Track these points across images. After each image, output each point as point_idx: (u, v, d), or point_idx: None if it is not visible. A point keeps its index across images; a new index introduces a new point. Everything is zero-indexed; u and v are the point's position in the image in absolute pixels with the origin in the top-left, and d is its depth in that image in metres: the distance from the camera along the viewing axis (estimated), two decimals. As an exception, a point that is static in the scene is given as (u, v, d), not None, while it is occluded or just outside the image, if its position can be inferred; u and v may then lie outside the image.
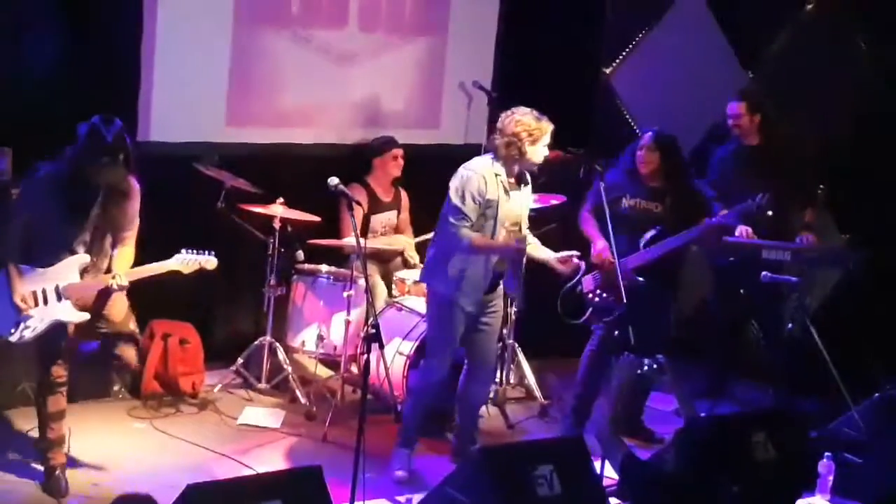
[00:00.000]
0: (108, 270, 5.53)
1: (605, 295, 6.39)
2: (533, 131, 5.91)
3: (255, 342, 7.13)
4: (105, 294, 5.50)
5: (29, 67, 6.56)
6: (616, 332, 6.00)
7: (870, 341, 7.36)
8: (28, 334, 5.46)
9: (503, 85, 8.13)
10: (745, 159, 7.19)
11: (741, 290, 7.39)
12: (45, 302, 5.45)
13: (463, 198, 5.84)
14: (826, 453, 5.77)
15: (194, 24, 7.10)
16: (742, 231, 6.96)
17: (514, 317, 7.20)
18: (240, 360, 7.10)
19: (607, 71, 8.67)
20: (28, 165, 6.43)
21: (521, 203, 6.01)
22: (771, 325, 7.26)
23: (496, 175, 5.88)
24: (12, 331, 5.45)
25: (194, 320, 7.11)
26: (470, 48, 8.15)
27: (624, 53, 8.64)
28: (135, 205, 5.54)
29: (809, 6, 8.20)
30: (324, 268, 7.07)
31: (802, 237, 7.05)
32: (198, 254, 5.63)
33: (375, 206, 7.34)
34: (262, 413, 6.82)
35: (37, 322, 5.45)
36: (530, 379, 7.36)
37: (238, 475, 5.76)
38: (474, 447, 6.19)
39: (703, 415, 6.48)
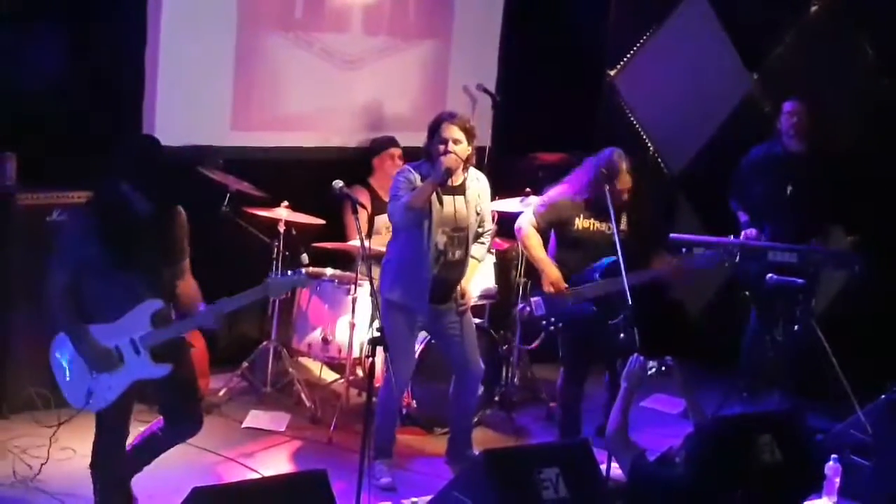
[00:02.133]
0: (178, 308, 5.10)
1: (559, 324, 6.32)
2: (431, 125, 5.91)
3: (260, 346, 7.13)
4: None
5: (33, 72, 6.56)
6: (622, 336, 5.99)
7: (876, 343, 7.34)
8: (110, 397, 4.96)
9: (507, 88, 8.13)
10: (785, 165, 7.18)
11: (746, 292, 7.40)
12: (123, 360, 4.97)
13: (397, 189, 5.87)
14: (833, 455, 5.76)
15: (198, 28, 7.11)
16: (747, 233, 6.99)
17: (519, 319, 7.20)
18: (245, 364, 7.10)
19: (611, 73, 8.67)
20: (33, 170, 6.48)
21: (460, 208, 5.94)
22: (777, 327, 7.25)
23: (424, 177, 5.86)
24: (88, 400, 4.96)
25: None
26: (474, 51, 8.15)
27: (628, 56, 8.63)
28: (186, 229, 5.12)
29: (814, 8, 8.19)
30: (328, 271, 7.07)
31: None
32: (291, 274, 5.25)
33: (378, 206, 7.34)
34: (268, 416, 6.82)
35: (115, 383, 4.97)
36: (535, 381, 7.36)
37: (244, 478, 5.77)
38: (470, 451, 6.21)
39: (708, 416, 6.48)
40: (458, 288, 6.06)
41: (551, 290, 6.28)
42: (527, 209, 6.55)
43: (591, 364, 6.50)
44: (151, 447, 5.29)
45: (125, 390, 5.00)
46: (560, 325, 6.30)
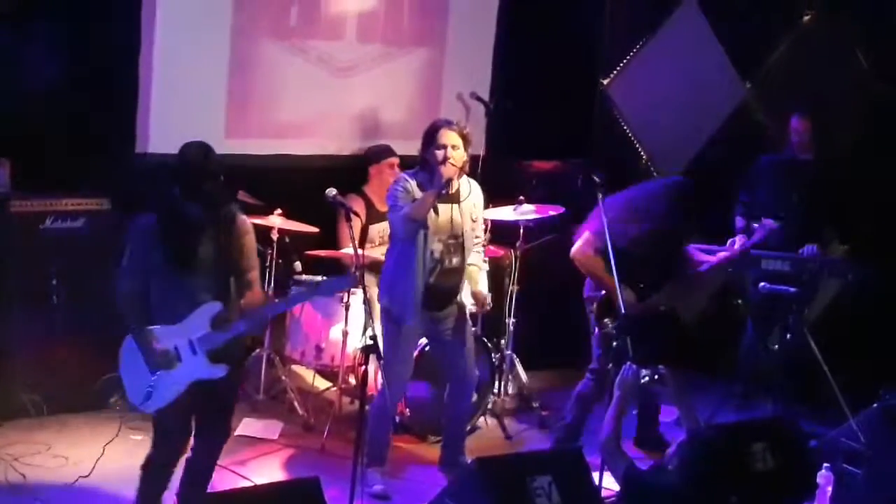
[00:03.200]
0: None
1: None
2: (427, 132, 5.92)
3: (253, 354, 7.12)
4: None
5: (27, 79, 6.56)
6: (615, 344, 5.98)
7: (868, 351, 7.36)
8: (167, 397, 5.05)
9: (501, 96, 8.14)
10: (792, 174, 7.21)
11: (738, 301, 7.42)
12: (180, 360, 5.06)
13: (395, 197, 5.87)
14: (825, 464, 5.76)
15: (193, 35, 7.11)
16: (736, 240, 7.00)
17: (511, 327, 7.21)
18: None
19: (605, 82, 8.68)
20: (26, 176, 6.48)
21: (455, 216, 5.95)
22: (770, 336, 7.26)
23: (420, 186, 5.87)
24: (147, 399, 5.06)
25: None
26: (468, 59, 8.16)
27: (621, 64, 8.65)
28: (251, 239, 5.19)
29: (806, 16, 8.22)
30: (322, 279, 7.06)
31: (806, 249, 7.07)
32: (342, 277, 5.36)
33: (372, 215, 7.33)
34: (260, 424, 6.81)
35: (173, 383, 5.05)
36: (528, 390, 7.36)
37: (236, 486, 5.76)
38: (463, 458, 6.21)
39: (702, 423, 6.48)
40: (476, 294, 6.10)
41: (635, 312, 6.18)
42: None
43: None
44: (194, 471, 5.31)
45: (183, 391, 5.07)
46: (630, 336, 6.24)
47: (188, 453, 5.29)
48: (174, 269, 5.03)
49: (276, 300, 5.12)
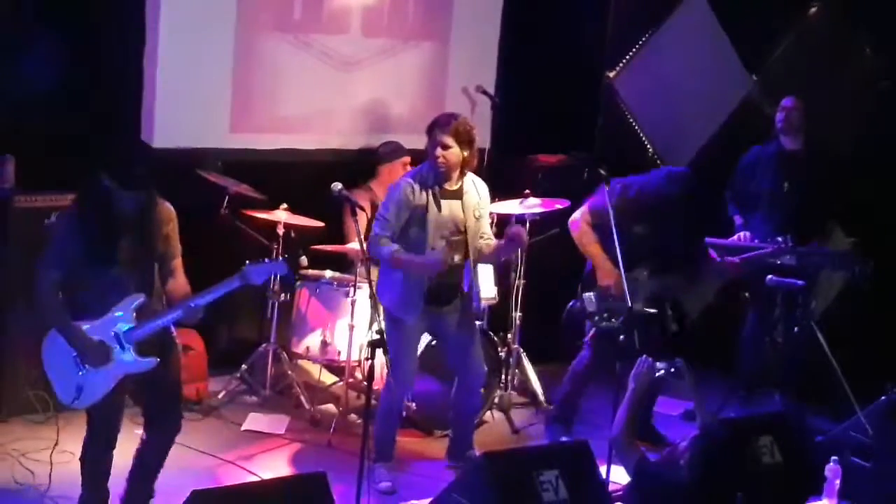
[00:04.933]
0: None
1: (612, 320, 6.37)
2: (427, 126, 5.94)
3: (259, 348, 7.13)
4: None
5: (32, 75, 6.55)
6: (622, 338, 5.98)
7: (875, 344, 7.34)
8: (99, 393, 4.98)
9: (506, 89, 8.13)
10: (781, 163, 7.19)
11: (745, 294, 7.40)
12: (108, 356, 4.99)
13: (387, 207, 5.88)
14: (832, 457, 5.75)
15: (197, 30, 7.10)
16: (741, 235, 7.01)
17: (517, 321, 7.19)
18: (244, 367, 7.09)
19: (611, 75, 8.66)
20: (31, 173, 6.47)
21: (457, 212, 5.94)
22: (776, 329, 7.25)
23: (424, 183, 5.87)
24: (77, 396, 4.98)
25: (197, 327, 7.08)
26: (473, 53, 8.14)
27: (627, 57, 8.63)
28: (174, 226, 5.11)
29: (813, 9, 8.19)
30: (327, 273, 7.06)
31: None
32: (268, 261, 5.21)
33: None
34: (267, 419, 6.81)
35: (103, 379, 4.98)
36: (535, 384, 7.35)
37: (243, 481, 5.76)
38: (472, 451, 6.21)
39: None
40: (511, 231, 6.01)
41: (608, 284, 6.36)
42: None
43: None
44: (143, 465, 5.30)
45: (114, 386, 5.00)
46: (613, 319, 6.33)
47: (138, 444, 5.26)
48: (97, 262, 4.92)
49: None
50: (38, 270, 4.99)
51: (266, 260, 5.25)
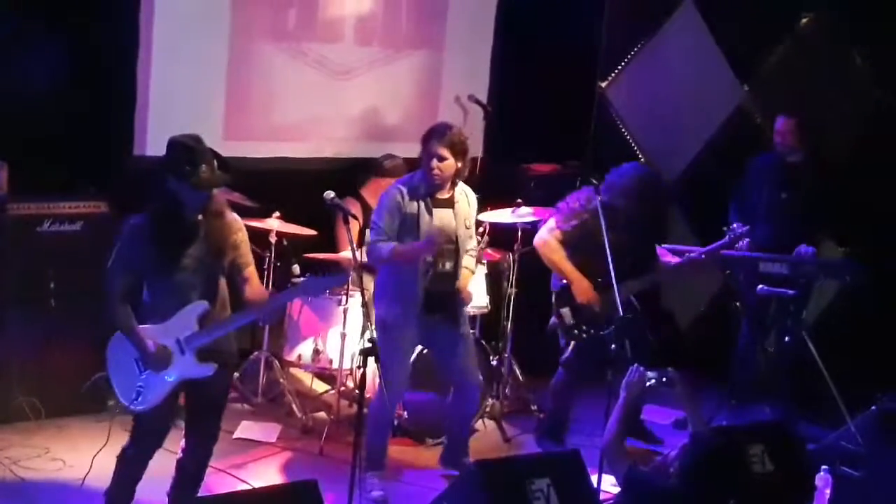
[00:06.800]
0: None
1: (591, 331, 6.40)
2: (423, 136, 5.97)
3: (252, 356, 7.13)
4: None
5: (25, 81, 6.56)
6: (612, 347, 5.99)
7: (867, 354, 7.36)
8: (156, 396, 5.05)
9: (499, 99, 8.14)
10: (781, 173, 7.21)
11: (736, 303, 7.41)
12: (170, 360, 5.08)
13: (380, 215, 5.91)
14: (823, 466, 5.75)
15: (191, 38, 7.11)
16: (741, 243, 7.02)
17: (509, 330, 7.20)
18: (236, 375, 7.08)
19: (603, 84, 8.69)
20: (24, 179, 6.47)
21: (448, 221, 5.98)
22: (768, 338, 7.27)
23: (415, 191, 5.90)
24: (136, 398, 5.05)
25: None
26: (466, 62, 8.16)
27: (620, 67, 8.65)
28: (244, 235, 5.18)
29: (804, 19, 8.22)
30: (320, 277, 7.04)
31: (801, 248, 7.07)
32: (329, 275, 5.34)
33: (370, 218, 7.32)
34: (258, 427, 6.81)
35: (162, 382, 5.05)
36: (526, 393, 7.35)
37: (234, 490, 5.76)
38: (467, 459, 6.22)
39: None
40: (457, 288, 6.07)
41: (584, 300, 6.38)
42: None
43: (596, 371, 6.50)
44: (183, 475, 5.32)
45: (171, 391, 5.08)
46: (593, 331, 6.36)
47: (179, 454, 5.30)
48: (163, 268, 5.02)
49: (280, 291, 5.11)
50: (107, 275, 5.08)
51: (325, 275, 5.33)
